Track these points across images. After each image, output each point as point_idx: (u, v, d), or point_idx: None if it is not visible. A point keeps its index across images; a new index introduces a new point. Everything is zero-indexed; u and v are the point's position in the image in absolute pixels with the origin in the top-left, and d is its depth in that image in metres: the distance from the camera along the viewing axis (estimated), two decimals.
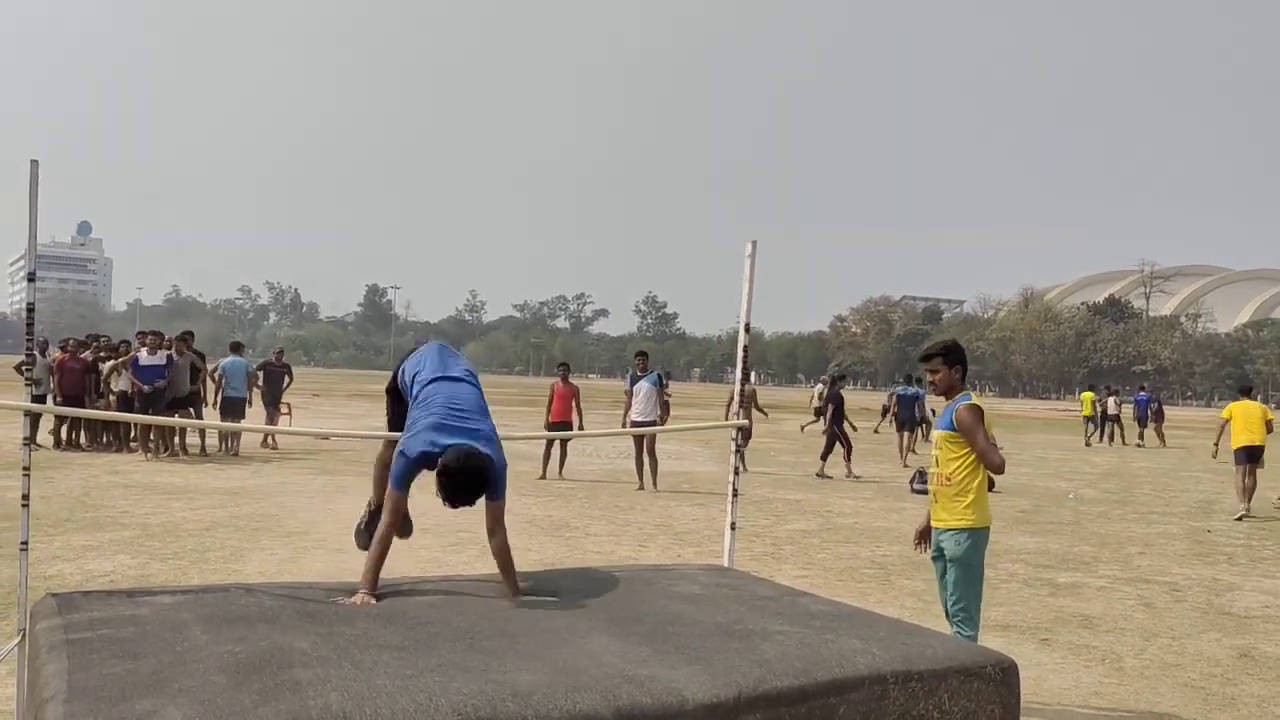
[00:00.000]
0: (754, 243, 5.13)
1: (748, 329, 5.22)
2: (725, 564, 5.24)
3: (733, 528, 5.30)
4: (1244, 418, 13.77)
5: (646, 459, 14.02)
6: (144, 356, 15.74)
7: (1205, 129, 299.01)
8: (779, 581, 5.84)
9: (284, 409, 19.41)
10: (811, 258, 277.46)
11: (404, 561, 8.30)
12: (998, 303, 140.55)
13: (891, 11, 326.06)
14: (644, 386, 14.22)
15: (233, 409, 17.25)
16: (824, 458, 16.75)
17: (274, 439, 18.37)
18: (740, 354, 5.29)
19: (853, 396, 24.53)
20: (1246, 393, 14.79)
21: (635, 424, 14.14)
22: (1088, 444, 28.75)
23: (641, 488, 13.95)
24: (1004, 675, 3.48)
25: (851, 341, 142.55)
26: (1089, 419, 30.25)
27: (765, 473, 16.91)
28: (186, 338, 16.79)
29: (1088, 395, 31.15)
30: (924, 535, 5.40)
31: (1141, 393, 32.43)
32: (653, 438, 14.15)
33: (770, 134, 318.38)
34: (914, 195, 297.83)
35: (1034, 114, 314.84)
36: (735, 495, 5.29)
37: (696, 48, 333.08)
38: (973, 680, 3.39)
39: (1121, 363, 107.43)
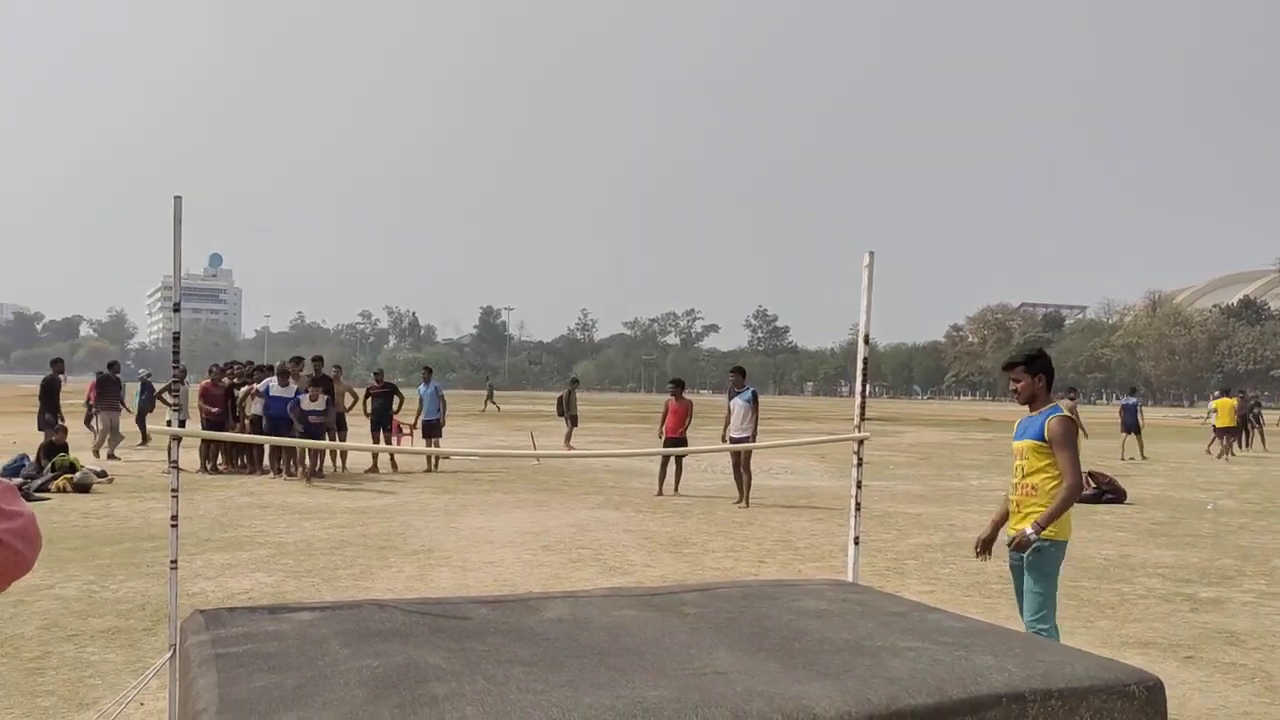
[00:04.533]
0: (871, 253, 5.07)
1: (867, 340, 5.16)
2: (850, 579, 5.16)
3: (856, 542, 5.22)
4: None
5: (743, 473, 14.06)
6: (274, 387, 16.43)
7: None
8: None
9: (406, 430, 19.95)
10: (926, 266, 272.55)
11: (526, 578, 8.43)
12: (1123, 307, 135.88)
13: (1010, 14, 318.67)
14: (739, 403, 14.29)
15: (429, 431, 18.92)
16: None
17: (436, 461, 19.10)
18: (860, 366, 5.23)
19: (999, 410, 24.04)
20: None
21: (732, 440, 14.25)
22: None
23: (739, 501, 13.97)
24: (1149, 694, 3.34)
25: (968, 351, 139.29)
26: None
27: (883, 486, 16.63)
28: (298, 365, 17.54)
29: None
30: (986, 544, 5.40)
31: None
32: (748, 453, 14.21)
33: (882, 141, 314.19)
34: (1031, 200, 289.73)
35: (1159, 110, 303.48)
36: (858, 509, 5.22)
37: (806, 57, 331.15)
38: (1116, 699, 3.26)
39: (1259, 367, 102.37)
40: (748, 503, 13.81)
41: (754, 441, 14.18)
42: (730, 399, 14.52)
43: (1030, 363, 5.11)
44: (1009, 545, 5.09)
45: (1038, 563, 4.98)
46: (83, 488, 13.80)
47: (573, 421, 24.57)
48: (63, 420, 16.75)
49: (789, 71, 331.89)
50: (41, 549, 1.52)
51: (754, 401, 14.23)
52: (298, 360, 17.78)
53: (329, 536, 10.43)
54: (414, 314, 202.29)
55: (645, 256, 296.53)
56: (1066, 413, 5.05)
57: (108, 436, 19.45)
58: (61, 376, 18.88)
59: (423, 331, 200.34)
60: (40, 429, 16.91)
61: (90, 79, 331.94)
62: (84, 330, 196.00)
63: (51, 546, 9.53)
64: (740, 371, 14.97)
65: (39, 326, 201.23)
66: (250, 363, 20.85)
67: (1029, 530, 4.94)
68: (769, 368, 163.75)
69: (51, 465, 14.35)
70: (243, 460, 17.69)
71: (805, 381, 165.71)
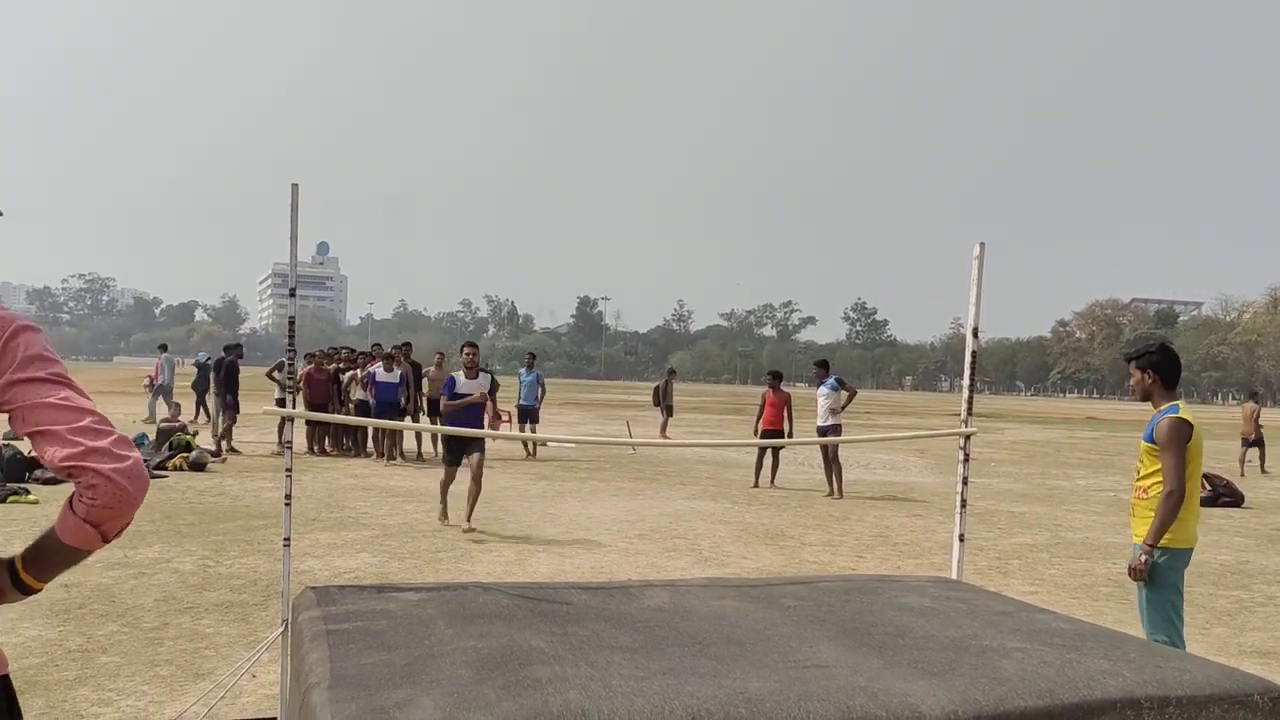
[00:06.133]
0: (982, 244, 4.93)
1: (976, 334, 5.03)
2: (954, 576, 5.06)
3: (961, 539, 5.12)
4: None
5: (832, 466, 14.02)
6: (380, 373, 16.81)
7: None
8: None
9: (504, 416, 20.25)
10: (1030, 260, 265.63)
11: (623, 566, 8.48)
12: (1241, 304, 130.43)
13: (1115, 9, 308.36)
14: (823, 391, 14.38)
15: (525, 416, 18.94)
16: None
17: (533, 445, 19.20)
18: (968, 360, 5.11)
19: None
20: None
21: (818, 430, 14.34)
22: None
23: (830, 494, 13.90)
24: (1274, 706, 3.19)
25: (1075, 347, 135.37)
26: None
27: (985, 484, 16.27)
28: (406, 349, 17.89)
29: None
30: None
31: None
32: (835, 445, 14.20)
33: (983, 132, 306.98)
34: (1141, 193, 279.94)
35: (1272, 101, 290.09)
36: (964, 506, 5.11)
37: (912, 50, 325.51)
38: (1238, 709, 3.13)
39: None
40: (841, 494, 13.73)
41: (839, 431, 14.23)
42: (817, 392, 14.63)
43: (1140, 358, 4.95)
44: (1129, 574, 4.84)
45: (1150, 574, 4.71)
46: (198, 466, 14.34)
47: (668, 411, 24.69)
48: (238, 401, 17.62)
49: (893, 69, 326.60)
50: (146, 494, 1.69)
51: (838, 386, 14.26)
52: (407, 346, 18.18)
53: (430, 520, 10.64)
54: (513, 303, 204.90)
55: (742, 248, 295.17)
56: (1185, 414, 4.80)
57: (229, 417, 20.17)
58: (240, 360, 19.35)
59: (521, 320, 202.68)
60: (222, 410, 17.70)
61: (203, 71, 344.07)
62: (199, 315, 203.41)
63: (169, 521, 9.92)
64: (822, 364, 15.06)
65: (157, 311, 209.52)
66: (344, 349, 21.31)
67: (1140, 554, 4.68)
68: (867, 361, 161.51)
69: (169, 444, 14.93)
70: (348, 443, 18.16)
71: (904, 376, 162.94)
